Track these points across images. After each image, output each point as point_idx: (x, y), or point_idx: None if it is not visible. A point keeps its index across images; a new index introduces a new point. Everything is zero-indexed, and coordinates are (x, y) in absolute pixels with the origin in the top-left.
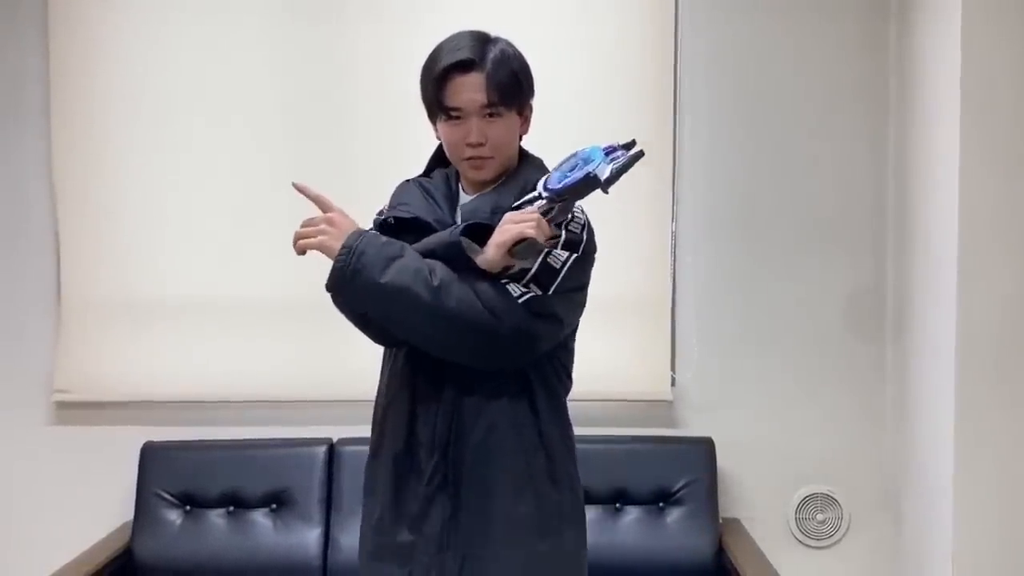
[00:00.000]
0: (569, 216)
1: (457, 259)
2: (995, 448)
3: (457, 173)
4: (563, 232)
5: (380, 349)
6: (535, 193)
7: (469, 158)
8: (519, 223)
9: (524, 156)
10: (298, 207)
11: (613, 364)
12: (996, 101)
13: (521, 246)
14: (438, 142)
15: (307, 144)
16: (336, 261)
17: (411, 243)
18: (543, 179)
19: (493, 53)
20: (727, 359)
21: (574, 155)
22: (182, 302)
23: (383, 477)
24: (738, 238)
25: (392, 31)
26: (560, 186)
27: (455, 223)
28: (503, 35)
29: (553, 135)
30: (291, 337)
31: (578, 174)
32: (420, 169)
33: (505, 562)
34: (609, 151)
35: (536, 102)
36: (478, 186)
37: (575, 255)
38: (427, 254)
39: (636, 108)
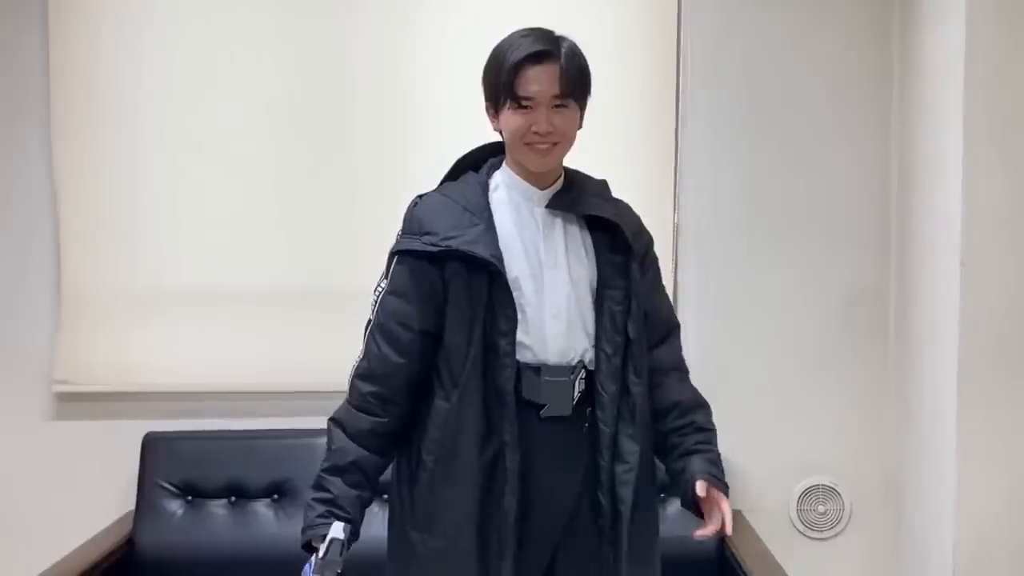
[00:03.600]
0: None
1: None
2: (997, 441)
3: (488, 171)
4: None
5: None
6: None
7: (533, 143)
8: None
9: None
10: (301, 196)
11: None
12: (1000, 97)
13: None
14: (466, 149)
15: (308, 136)
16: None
17: (459, 270)
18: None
19: (565, 47)
20: (729, 351)
21: None
22: (183, 292)
23: None
24: (741, 230)
25: (396, 27)
26: None
27: (487, 230)
28: (503, 29)
29: None
30: (293, 327)
31: None
32: (420, 162)
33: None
34: None
35: None
36: (540, 178)
37: None
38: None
39: (638, 101)
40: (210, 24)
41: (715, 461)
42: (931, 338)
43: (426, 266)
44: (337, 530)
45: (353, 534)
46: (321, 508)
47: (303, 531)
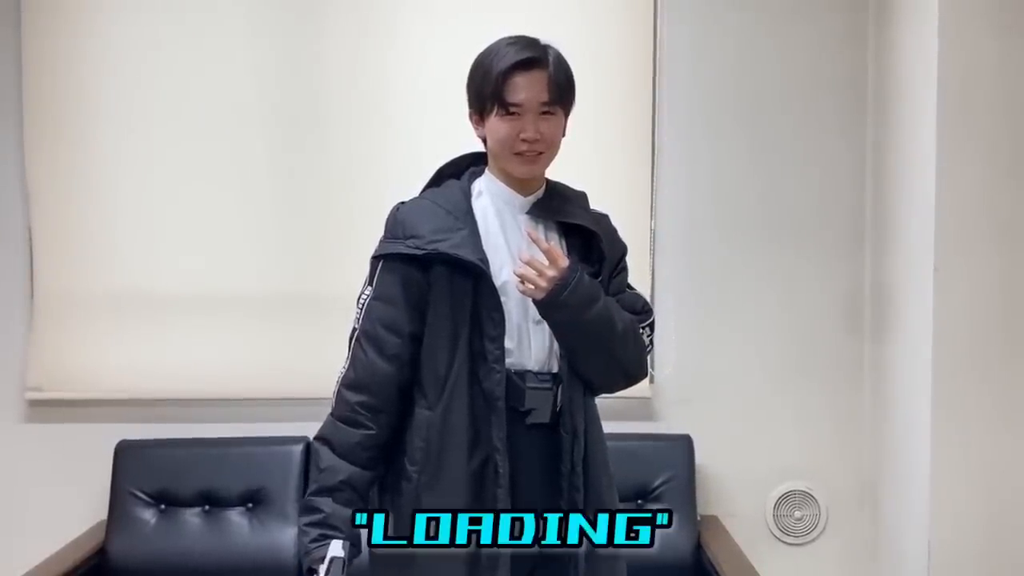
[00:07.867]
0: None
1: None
2: (971, 445)
3: (470, 178)
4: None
5: None
6: None
7: (521, 152)
8: None
9: None
10: (275, 202)
11: None
12: (973, 97)
13: None
14: (444, 154)
15: (281, 140)
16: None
17: (443, 274)
18: None
19: (552, 54)
20: (706, 356)
21: None
22: (156, 299)
23: None
24: (717, 234)
25: (372, 33)
26: None
27: (472, 235)
28: (478, 32)
29: None
30: (267, 334)
31: None
32: (396, 168)
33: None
34: None
35: None
36: (524, 185)
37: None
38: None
39: (615, 104)
40: (185, 26)
41: (592, 282)
42: (906, 342)
43: (412, 270)
44: (336, 548)
45: (354, 547)
46: (315, 532)
47: (301, 559)
